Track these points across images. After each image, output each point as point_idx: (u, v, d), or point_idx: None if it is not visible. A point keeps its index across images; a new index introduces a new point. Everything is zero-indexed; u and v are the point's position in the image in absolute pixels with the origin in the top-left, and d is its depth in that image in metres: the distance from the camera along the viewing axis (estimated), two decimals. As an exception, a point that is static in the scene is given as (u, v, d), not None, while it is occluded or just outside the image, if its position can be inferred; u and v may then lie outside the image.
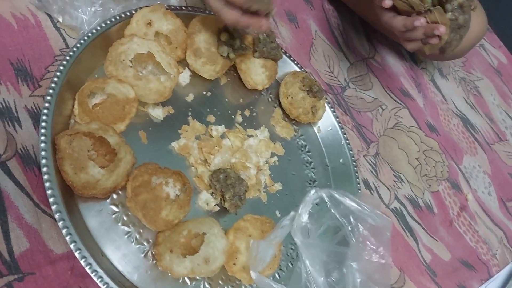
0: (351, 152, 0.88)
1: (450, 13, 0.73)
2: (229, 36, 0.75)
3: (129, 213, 0.62)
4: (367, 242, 0.63)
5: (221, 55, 0.75)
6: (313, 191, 0.64)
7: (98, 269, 0.54)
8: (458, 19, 0.74)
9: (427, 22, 0.74)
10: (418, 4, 0.73)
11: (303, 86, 0.83)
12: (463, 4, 0.73)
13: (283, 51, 0.87)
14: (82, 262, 0.54)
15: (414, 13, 0.75)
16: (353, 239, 0.64)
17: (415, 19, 0.74)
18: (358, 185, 0.85)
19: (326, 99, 0.89)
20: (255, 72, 0.81)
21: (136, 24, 0.70)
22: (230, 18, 0.64)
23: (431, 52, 0.80)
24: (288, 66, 0.89)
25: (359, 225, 0.65)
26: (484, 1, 1.04)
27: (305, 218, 0.62)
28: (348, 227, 0.64)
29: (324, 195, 0.64)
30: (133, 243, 0.61)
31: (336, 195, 0.64)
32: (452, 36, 0.76)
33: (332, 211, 0.64)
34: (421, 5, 0.73)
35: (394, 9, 0.78)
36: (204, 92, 0.78)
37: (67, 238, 0.54)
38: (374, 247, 0.63)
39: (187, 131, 0.73)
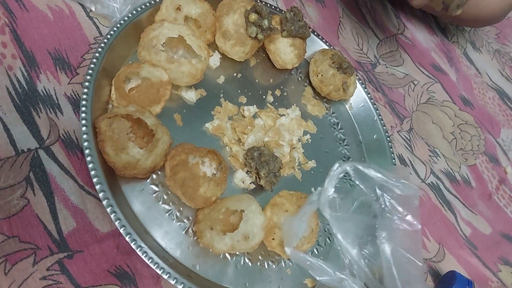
0: (384, 127, 0.87)
1: None
2: (257, 17, 0.75)
3: (169, 192, 0.64)
4: (395, 212, 0.63)
5: (249, 36, 0.76)
6: (337, 165, 0.64)
7: (143, 245, 0.56)
8: None
9: None
10: None
11: (333, 63, 0.83)
12: None
13: (311, 30, 0.87)
14: (127, 238, 0.56)
15: None
16: (380, 209, 0.64)
17: None
18: (394, 161, 0.84)
19: (357, 75, 0.88)
20: (284, 51, 0.81)
21: (165, 10, 0.71)
22: None
23: (438, 8, 0.78)
24: (316, 44, 0.89)
25: (385, 195, 0.65)
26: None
27: (331, 191, 0.62)
28: (374, 198, 0.64)
29: (348, 168, 0.64)
30: (174, 221, 0.63)
31: (361, 168, 0.64)
32: None
33: (357, 183, 0.64)
34: None
35: None
36: (235, 74, 0.80)
37: (112, 216, 0.56)
38: (402, 216, 0.63)
39: (220, 112, 0.74)
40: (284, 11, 0.80)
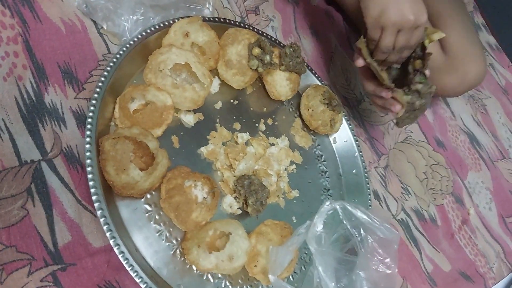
0: (363, 163, 0.92)
1: (409, 97, 0.79)
2: (260, 51, 0.79)
3: (161, 213, 0.67)
4: (375, 253, 0.68)
5: (250, 68, 0.80)
6: (328, 203, 0.68)
7: (134, 264, 0.59)
8: (415, 103, 0.79)
9: (392, 97, 0.80)
10: (385, 80, 0.79)
11: (324, 99, 0.88)
12: (421, 91, 0.78)
13: (305, 64, 0.92)
14: (120, 256, 0.58)
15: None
16: (362, 249, 0.69)
17: (382, 90, 0.81)
18: (369, 196, 0.90)
19: (343, 111, 0.93)
20: (280, 84, 0.85)
21: (174, 34, 0.74)
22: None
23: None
24: (309, 78, 0.94)
25: (369, 236, 0.70)
26: (494, 21, 1.08)
27: (319, 227, 0.67)
28: (358, 238, 0.69)
29: (337, 206, 0.69)
30: (163, 241, 0.66)
31: (349, 207, 0.69)
32: (406, 115, 0.82)
33: (344, 222, 0.69)
34: (386, 83, 0.79)
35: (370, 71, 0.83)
36: (232, 100, 0.83)
37: (108, 234, 0.58)
38: (382, 258, 0.68)
39: (215, 137, 0.77)
40: (285, 46, 0.84)
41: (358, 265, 0.68)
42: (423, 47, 0.78)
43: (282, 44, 0.91)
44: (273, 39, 0.90)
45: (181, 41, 0.75)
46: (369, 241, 0.68)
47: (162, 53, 0.71)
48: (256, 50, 0.79)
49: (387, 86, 0.79)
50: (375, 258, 0.67)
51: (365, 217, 0.70)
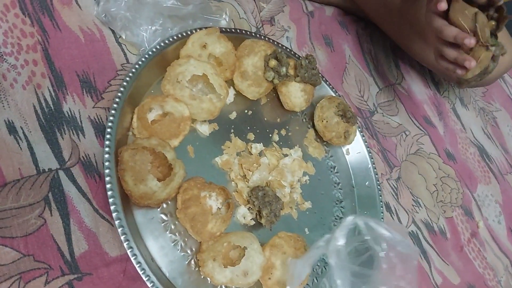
0: (376, 176, 0.92)
1: (491, 52, 0.74)
2: (277, 63, 0.79)
3: (176, 222, 0.67)
4: (396, 269, 0.68)
5: (266, 79, 0.80)
6: (351, 217, 0.68)
7: (151, 275, 0.59)
8: (489, 67, 0.76)
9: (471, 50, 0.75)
10: (486, 37, 0.73)
11: (338, 111, 0.88)
12: (494, 53, 0.75)
13: (320, 75, 0.92)
14: (137, 267, 0.59)
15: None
16: (384, 265, 0.69)
17: (467, 36, 0.74)
18: (381, 208, 0.90)
19: (357, 123, 0.93)
20: (295, 95, 0.85)
21: (191, 45, 0.75)
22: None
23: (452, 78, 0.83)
24: (323, 89, 0.94)
25: (390, 252, 0.69)
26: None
27: (341, 242, 0.67)
28: (380, 253, 0.69)
29: (360, 222, 0.69)
30: (178, 251, 0.66)
31: (371, 223, 0.69)
32: (474, 77, 0.78)
33: (367, 237, 0.69)
34: (487, 38, 0.73)
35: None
36: (246, 111, 0.83)
37: (125, 244, 0.58)
38: (402, 274, 0.68)
39: (229, 147, 0.77)
40: (300, 58, 0.84)
41: (380, 280, 0.68)
42: (498, 8, 0.74)
43: (297, 55, 0.91)
44: (288, 49, 0.90)
45: (199, 52, 0.75)
46: (391, 256, 0.68)
47: (180, 65, 0.71)
48: (273, 62, 0.79)
49: (481, 41, 0.74)
50: (396, 274, 0.67)
51: (386, 232, 0.70)
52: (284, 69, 0.80)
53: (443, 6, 0.75)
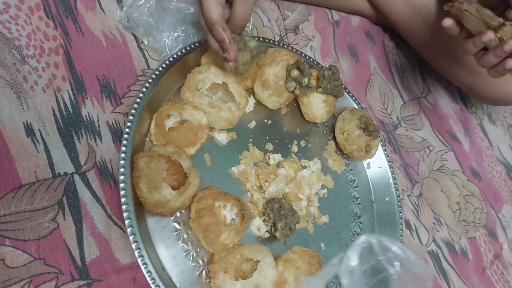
0: (397, 191, 0.90)
1: None
2: (299, 74, 0.78)
3: (189, 232, 0.66)
4: (409, 290, 0.66)
5: (287, 89, 0.79)
6: (364, 237, 0.66)
7: (161, 284, 0.59)
8: None
9: (499, 39, 0.72)
10: (491, 16, 0.70)
11: (360, 124, 0.86)
12: None
13: (343, 87, 0.90)
14: (147, 276, 0.58)
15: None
16: (396, 285, 0.66)
17: (483, 35, 0.72)
18: (401, 225, 0.87)
19: (380, 137, 0.91)
20: (316, 106, 0.84)
21: (213, 52, 0.74)
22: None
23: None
24: (346, 101, 0.92)
25: (403, 272, 0.67)
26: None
27: (354, 261, 0.65)
28: (393, 274, 0.67)
29: (373, 241, 0.67)
30: (190, 261, 0.65)
31: (385, 242, 0.67)
32: None
33: (380, 257, 0.67)
34: (494, 17, 0.70)
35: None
36: (265, 120, 0.82)
37: (136, 252, 0.58)
38: (416, 295, 0.66)
39: (246, 157, 0.76)
40: (324, 69, 0.82)
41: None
42: None
43: (320, 65, 0.89)
44: (311, 59, 0.89)
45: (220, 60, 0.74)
46: (404, 276, 0.66)
47: (201, 72, 0.71)
48: (295, 72, 0.78)
49: (494, 25, 0.71)
50: (410, 295, 0.65)
51: (400, 252, 0.68)
52: (306, 79, 0.78)
53: (446, 22, 0.76)
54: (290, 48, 0.86)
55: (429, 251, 0.96)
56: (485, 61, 0.77)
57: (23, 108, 0.62)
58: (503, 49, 0.72)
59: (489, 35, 0.72)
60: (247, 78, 0.77)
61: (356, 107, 0.92)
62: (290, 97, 0.82)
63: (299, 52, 0.87)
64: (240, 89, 0.73)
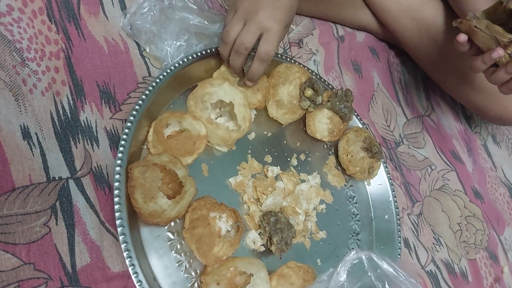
0: (397, 210, 0.89)
1: None
2: (313, 93, 0.79)
3: (183, 242, 0.65)
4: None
5: (301, 107, 0.81)
6: (353, 252, 0.65)
7: (151, 296, 0.58)
8: None
9: (510, 56, 0.71)
10: (501, 33, 0.69)
11: (364, 145, 0.85)
12: None
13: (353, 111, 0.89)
14: (137, 285, 0.57)
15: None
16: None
17: (492, 51, 0.72)
18: (399, 244, 0.86)
19: (383, 159, 0.90)
20: (320, 119, 0.83)
21: (224, 68, 0.74)
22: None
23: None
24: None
25: (392, 291, 0.66)
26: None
27: (343, 277, 0.64)
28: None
29: (363, 256, 0.66)
30: (182, 272, 0.64)
31: (375, 258, 0.66)
32: None
33: (369, 273, 0.66)
34: (504, 34, 0.69)
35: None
36: (265, 132, 0.81)
37: (127, 261, 0.57)
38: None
39: (244, 168, 0.76)
40: (339, 89, 0.83)
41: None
42: None
43: (338, 90, 0.87)
44: (322, 79, 0.89)
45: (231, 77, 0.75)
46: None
47: (213, 85, 0.70)
48: (309, 92, 0.79)
49: (504, 41, 0.70)
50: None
51: (391, 269, 0.66)
52: (320, 98, 0.80)
53: (461, 38, 0.74)
54: (293, 61, 0.85)
55: (428, 271, 0.94)
56: (495, 78, 0.76)
57: (20, 111, 0.62)
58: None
59: (499, 52, 0.71)
60: (258, 90, 0.77)
61: (359, 123, 0.91)
62: (302, 113, 0.83)
63: (306, 68, 0.87)
64: (246, 112, 0.72)
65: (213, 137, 0.71)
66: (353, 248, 0.82)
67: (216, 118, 0.72)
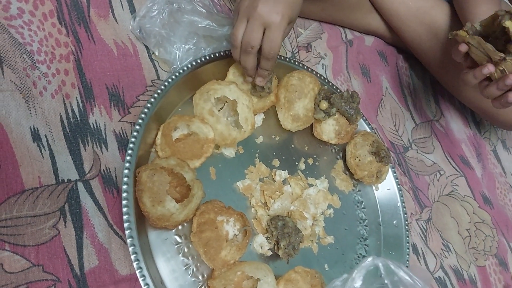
0: (405, 215, 0.88)
1: None
2: (328, 106, 0.80)
3: (190, 246, 0.65)
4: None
5: (315, 118, 0.82)
6: (370, 258, 0.65)
7: (158, 299, 0.58)
8: None
9: (501, 72, 0.71)
10: (492, 51, 0.70)
11: (372, 149, 0.84)
12: None
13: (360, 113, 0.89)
14: (144, 289, 0.57)
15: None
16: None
17: (483, 67, 0.72)
18: (408, 250, 0.85)
19: (391, 164, 0.89)
20: (326, 121, 0.83)
21: (232, 75, 0.75)
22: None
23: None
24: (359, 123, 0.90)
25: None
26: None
27: (358, 283, 0.63)
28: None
29: (380, 264, 0.65)
30: (189, 276, 0.64)
31: (391, 266, 0.65)
32: None
33: (385, 281, 0.65)
34: (495, 52, 0.70)
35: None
36: (273, 136, 0.81)
37: (135, 264, 0.57)
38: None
39: (252, 172, 0.75)
40: (345, 91, 0.83)
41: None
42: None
43: (344, 91, 0.87)
44: (330, 83, 0.89)
45: (241, 80, 0.75)
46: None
47: (220, 84, 0.71)
48: (324, 105, 0.80)
49: (495, 59, 0.70)
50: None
51: (407, 277, 0.66)
52: (334, 109, 0.81)
53: (463, 47, 0.74)
54: (301, 65, 0.85)
55: (436, 278, 0.93)
56: (488, 93, 0.76)
57: (30, 113, 0.62)
58: (504, 83, 0.71)
59: (489, 69, 0.72)
60: (269, 93, 0.78)
61: (367, 127, 0.91)
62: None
63: (314, 72, 0.87)
64: (250, 115, 0.72)
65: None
66: (364, 256, 0.82)
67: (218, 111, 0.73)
